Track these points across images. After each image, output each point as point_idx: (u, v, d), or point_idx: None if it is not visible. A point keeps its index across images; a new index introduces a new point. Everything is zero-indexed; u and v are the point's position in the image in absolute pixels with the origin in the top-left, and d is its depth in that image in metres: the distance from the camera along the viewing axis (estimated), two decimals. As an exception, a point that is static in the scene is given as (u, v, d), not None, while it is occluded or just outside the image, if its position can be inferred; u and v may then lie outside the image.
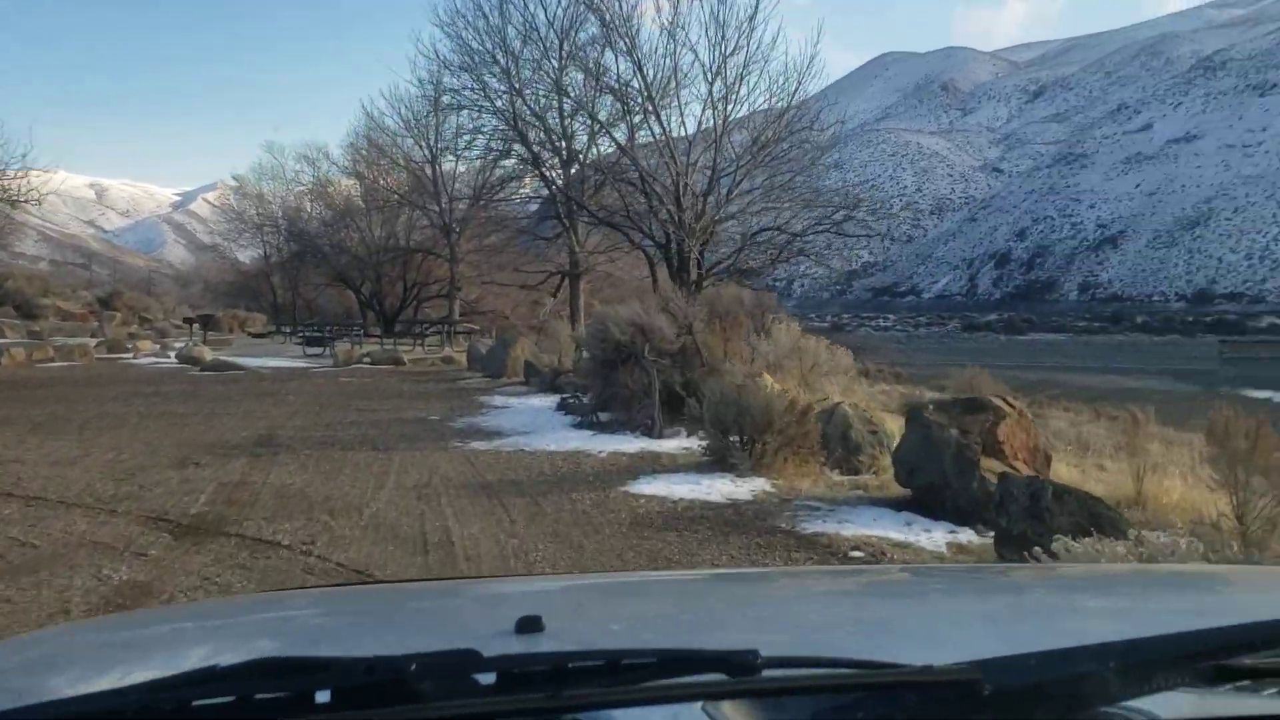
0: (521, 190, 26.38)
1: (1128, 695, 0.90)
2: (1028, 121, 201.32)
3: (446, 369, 22.38)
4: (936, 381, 24.00)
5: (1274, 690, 0.98)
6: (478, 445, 10.78)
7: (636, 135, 19.32)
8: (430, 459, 9.86)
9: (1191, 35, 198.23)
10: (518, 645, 1.13)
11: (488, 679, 0.85)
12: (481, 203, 27.92)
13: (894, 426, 10.20)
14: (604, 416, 12.09)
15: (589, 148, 22.25)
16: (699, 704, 0.91)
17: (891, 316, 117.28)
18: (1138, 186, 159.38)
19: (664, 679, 0.85)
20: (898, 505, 7.42)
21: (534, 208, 28.65)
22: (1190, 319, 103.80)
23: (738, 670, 0.86)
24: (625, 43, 17.83)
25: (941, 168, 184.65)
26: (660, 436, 10.75)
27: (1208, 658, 0.92)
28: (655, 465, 9.38)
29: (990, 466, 6.79)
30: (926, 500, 7.14)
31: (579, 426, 11.99)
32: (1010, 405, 7.19)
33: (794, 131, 18.00)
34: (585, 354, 13.72)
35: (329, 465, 9.48)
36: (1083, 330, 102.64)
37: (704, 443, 9.25)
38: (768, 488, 8.17)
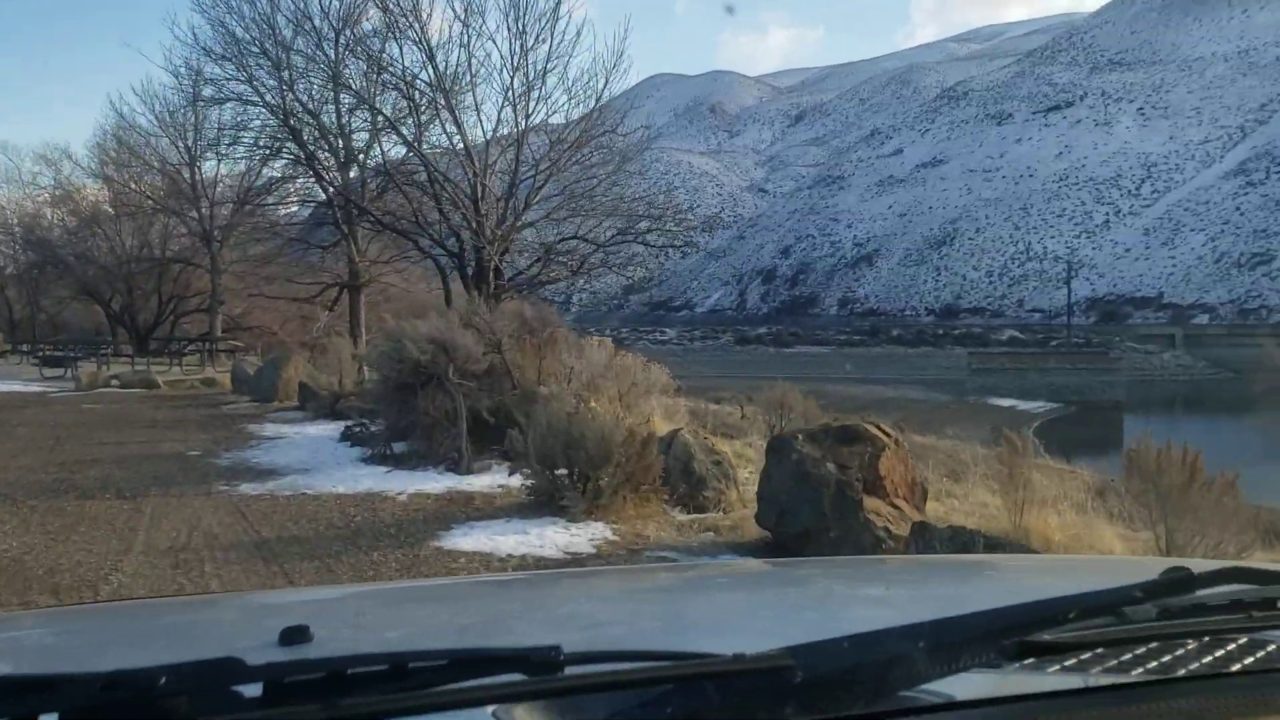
0: (292, 194, 24.11)
1: (935, 675, 0.89)
2: (790, 145, 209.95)
3: (208, 392, 19.96)
4: (714, 394, 23.73)
5: (1057, 666, 1.00)
6: (249, 488, 9.06)
7: (428, 133, 17.76)
8: (190, 508, 8.12)
9: (936, 67, 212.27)
10: (284, 657, 0.95)
11: (253, 691, 0.77)
12: (248, 208, 25.39)
13: (728, 449, 9.30)
14: (399, 448, 10.58)
15: (370, 147, 20.43)
16: (489, 709, 0.85)
17: (668, 330, 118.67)
18: (890, 207, 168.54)
19: (457, 682, 0.80)
20: (762, 553, 6.43)
21: (306, 212, 26.29)
22: (940, 332, 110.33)
23: (539, 669, 0.82)
24: (415, 30, 16.28)
25: (712, 187, 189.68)
26: (469, 472, 9.38)
27: (1011, 634, 0.92)
28: (469, 509, 8.03)
29: (875, 508, 5.90)
30: (797, 548, 6.18)
31: (370, 461, 10.44)
32: (886, 434, 6.35)
33: (598, 134, 16.96)
34: (376, 376, 12.14)
35: (59, 521, 7.60)
36: (844, 343, 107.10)
37: (527, 480, 7.98)
38: (609, 535, 7.00)
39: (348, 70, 18.37)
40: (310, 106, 19.71)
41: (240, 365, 19.99)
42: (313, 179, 21.78)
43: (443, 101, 16.39)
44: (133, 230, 32.95)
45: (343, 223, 20.54)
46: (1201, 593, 1.05)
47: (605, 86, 16.49)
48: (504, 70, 16.51)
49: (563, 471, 7.78)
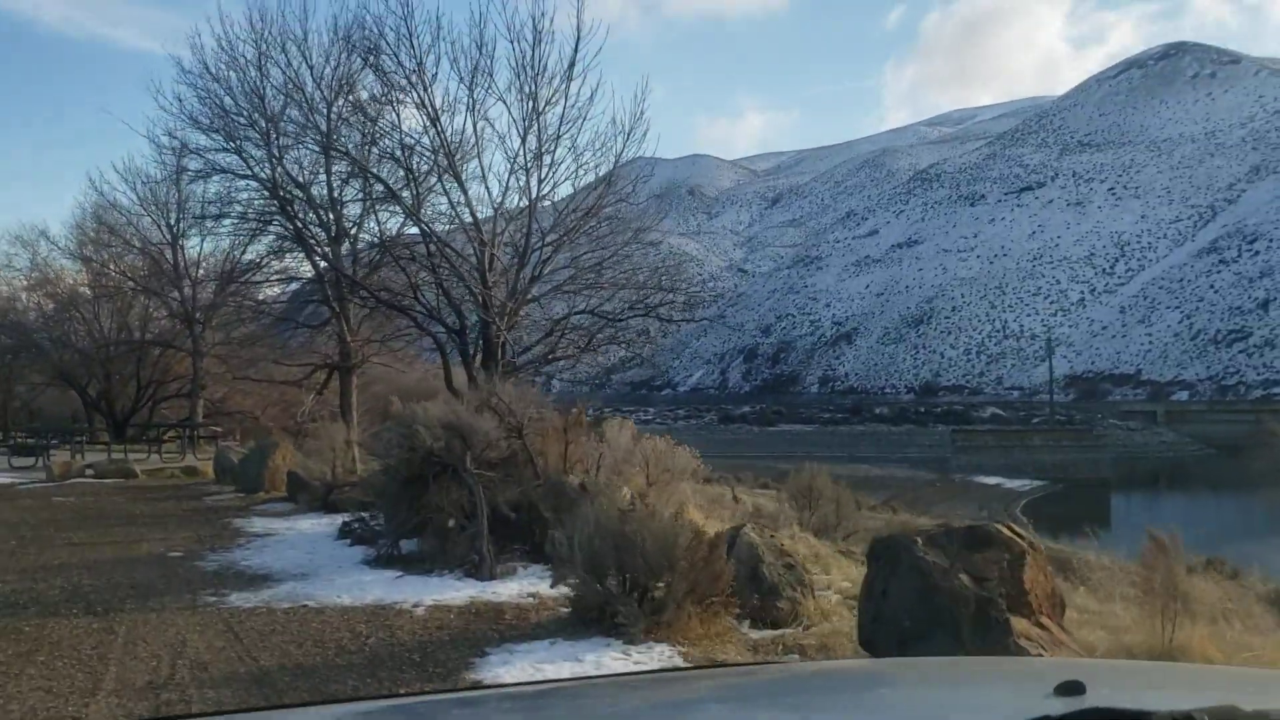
0: (279, 272, 23.00)
1: None
2: (768, 226, 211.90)
3: (190, 482, 18.65)
4: (702, 474, 22.62)
5: None
6: (240, 599, 7.85)
7: (427, 204, 16.71)
8: (173, 627, 6.91)
9: (908, 150, 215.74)
10: None
11: None
12: (232, 287, 24.33)
13: (789, 546, 8.17)
14: (407, 547, 9.41)
15: (363, 219, 19.37)
16: None
17: (651, 410, 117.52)
18: (867, 287, 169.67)
19: None
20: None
21: (293, 287, 25.20)
22: (922, 410, 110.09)
23: None
24: (418, 94, 15.38)
25: (693, 267, 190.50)
26: (492, 577, 8.21)
27: None
28: (501, 627, 6.84)
29: (1024, 631, 4.81)
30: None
31: (375, 563, 9.24)
32: (1019, 536, 5.29)
33: (613, 203, 16.05)
34: (380, 465, 10.99)
35: (14, 648, 6.38)
36: (828, 421, 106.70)
37: (571, 590, 6.83)
38: (678, 660, 5.85)
39: (341, 140, 17.45)
40: (300, 179, 18.78)
41: (224, 453, 18.72)
42: (301, 255, 20.79)
43: (446, 165, 15.43)
44: (111, 313, 31.84)
45: (334, 300, 19.50)
46: None
47: (624, 148, 15.61)
48: (512, 133, 15.59)
49: (612, 580, 6.65)
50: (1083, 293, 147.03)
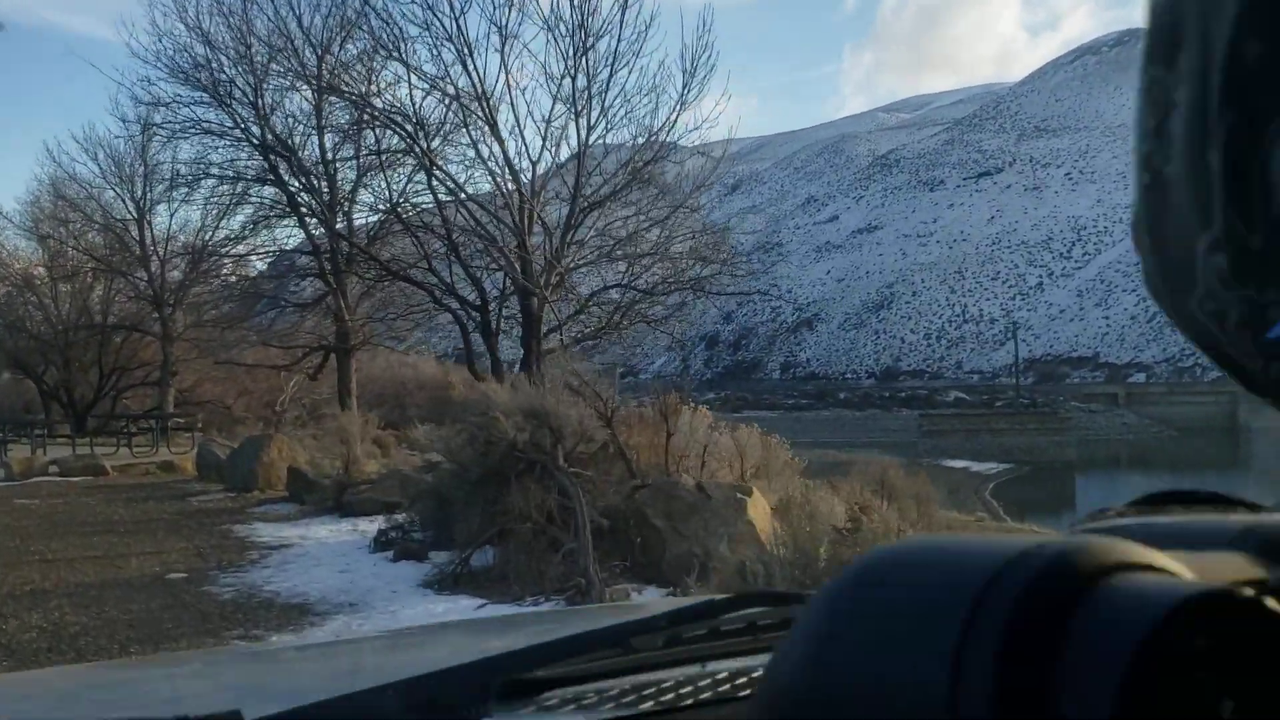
0: (266, 244, 20.85)
1: None
2: (728, 213, 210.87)
3: (168, 480, 16.60)
4: None
5: (571, 706, 0.95)
6: (282, 646, 6.02)
7: (441, 157, 14.62)
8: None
9: (867, 136, 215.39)
10: None
11: None
12: (207, 264, 22.22)
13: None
14: (477, 564, 7.63)
15: (362, 179, 17.21)
16: None
17: (617, 397, 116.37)
18: (828, 273, 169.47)
19: None
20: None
21: (274, 261, 23.07)
22: (885, 394, 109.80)
23: None
24: (442, 26, 13.36)
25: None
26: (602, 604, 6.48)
27: (503, 675, 0.91)
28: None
29: None
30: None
31: (439, 586, 7.44)
32: None
33: (663, 158, 14.23)
34: (423, 460, 9.18)
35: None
36: (792, 407, 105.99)
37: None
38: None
39: (344, 84, 15.40)
40: (290, 141, 16.77)
41: (208, 446, 16.71)
42: (290, 224, 18.75)
43: (476, 112, 13.46)
44: (70, 295, 29.62)
45: (331, 274, 17.48)
46: (727, 616, 1.04)
47: (687, 88, 13.74)
48: (552, 59, 13.55)
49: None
50: (1041, 277, 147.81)
